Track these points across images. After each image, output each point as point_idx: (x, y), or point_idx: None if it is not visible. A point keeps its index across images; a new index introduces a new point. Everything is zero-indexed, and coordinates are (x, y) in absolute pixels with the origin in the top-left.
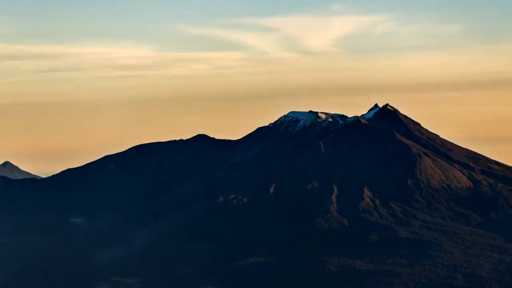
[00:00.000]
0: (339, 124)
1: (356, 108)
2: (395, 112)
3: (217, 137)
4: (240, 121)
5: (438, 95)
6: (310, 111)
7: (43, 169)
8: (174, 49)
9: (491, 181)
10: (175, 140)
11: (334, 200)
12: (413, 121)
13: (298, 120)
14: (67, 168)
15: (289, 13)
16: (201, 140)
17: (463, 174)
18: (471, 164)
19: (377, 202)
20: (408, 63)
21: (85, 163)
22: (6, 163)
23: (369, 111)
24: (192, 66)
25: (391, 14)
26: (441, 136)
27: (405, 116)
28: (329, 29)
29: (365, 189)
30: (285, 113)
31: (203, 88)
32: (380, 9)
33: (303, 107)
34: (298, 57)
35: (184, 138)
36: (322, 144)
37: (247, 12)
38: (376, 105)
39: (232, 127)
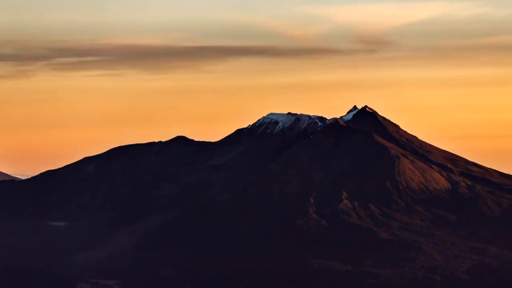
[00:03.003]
0: (318, 126)
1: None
2: (373, 114)
3: (196, 139)
4: (219, 123)
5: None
6: (289, 113)
7: (22, 170)
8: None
9: (469, 182)
10: (154, 142)
11: (312, 202)
12: (392, 122)
13: (276, 122)
14: (46, 169)
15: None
16: (180, 142)
17: (442, 175)
18: (449, 165)
19: (356, 203)
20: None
21: (64, 164)
22: None
23: (348, 112)
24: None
25: None
26: (420, 137)
27: (384, 118)
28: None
29: (343, 191)
30: (264, 115)
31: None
32: None
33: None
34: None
35: (163, 140)
36: (300, 146)
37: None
38: (355, 107)
39: (211, 129)
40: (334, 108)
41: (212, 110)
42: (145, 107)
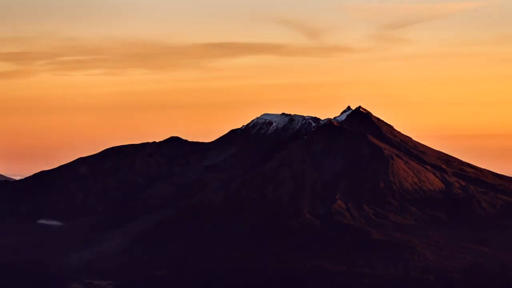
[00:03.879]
0: (312, 127)
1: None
2: (367, 114)
3: (190, 139)
4: (213, 123)
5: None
6: (283, 114)
7: (16, 171)
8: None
9: (463, 183)
10: (148, 143)
11: (306, 202)
12: (386, 123)
13: (270, 123)
14: (40, 170)
15: None
16: (174, 142)
17: (436, 176)
18: (443, 166)
19: (350, 204)
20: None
21: (58, 165)
22: None
23: (341, 113)
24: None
25: None
26: (414, 138)
27: (378, 118)
28: None
29: (337, 191)
30: (258, 115)
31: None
32: None
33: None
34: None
35: (157, 141)
36: (294, 146)
37: None
38: (348, 107)
39: (205, 130)
40: (328, 108)
41: (207, 110)
42: (141, 107)
